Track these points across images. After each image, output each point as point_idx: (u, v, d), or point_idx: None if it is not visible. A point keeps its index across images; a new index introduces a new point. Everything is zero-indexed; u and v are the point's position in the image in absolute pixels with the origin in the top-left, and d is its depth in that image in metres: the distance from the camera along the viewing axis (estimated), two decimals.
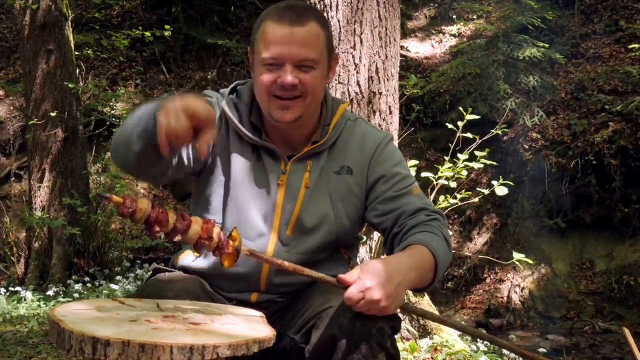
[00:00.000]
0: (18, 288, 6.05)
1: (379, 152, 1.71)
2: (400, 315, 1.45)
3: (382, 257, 3.48)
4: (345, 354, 1.40)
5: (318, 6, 3.36)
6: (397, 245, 1.64)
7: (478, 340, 4.59)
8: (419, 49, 10.98)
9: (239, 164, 1.67)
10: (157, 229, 1.38)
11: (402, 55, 6.64)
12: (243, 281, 1.66)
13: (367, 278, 1.37)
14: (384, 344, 1.41)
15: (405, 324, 3.58)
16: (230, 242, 1.42)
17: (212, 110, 1.40)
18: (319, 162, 1.68)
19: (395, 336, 1.50)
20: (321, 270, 1.64)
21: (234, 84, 1.78)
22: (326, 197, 1.67)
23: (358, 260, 3.23)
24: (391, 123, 3.46)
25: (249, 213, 1.65)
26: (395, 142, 3.53)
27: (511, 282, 7.59)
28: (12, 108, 9.60)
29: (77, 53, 7.74)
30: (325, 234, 1.67)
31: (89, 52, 8.72)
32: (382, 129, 3.42)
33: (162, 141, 1.34)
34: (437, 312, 3.56)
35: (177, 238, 1.41)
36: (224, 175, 1.68)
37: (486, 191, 4.00)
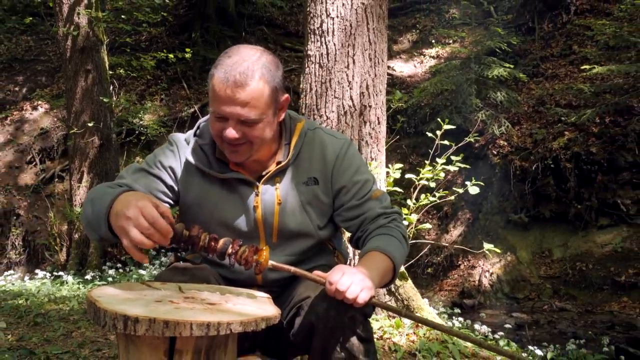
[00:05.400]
0: (61, 273, 6.06)
1: (339, 162, 1.64)
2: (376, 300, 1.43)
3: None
4: (323, 339, 1.41)
5: (317, 32, 3.35)
6: (361, 247, 1.63)
7: (453, 317, 4.57)
8: (403, 68, 10.98)
9: (213, 197, 1.60)
10: (196, 240, 1.37)
11: (388, 74, 6.63)
12: (242, 283, 1.64)
13: (334, 273, 1.38)
14: (355, 329, 1.41)
15: (391, 304, 3.58)
16: (258, 257, 1.41)
17: (160, 205, 1.29)
18: (286, 178, 1.62)
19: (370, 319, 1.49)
20: (310, 262, 1.66)
21: (198, 122, 1.68)
22: (300, 207, 1.62)
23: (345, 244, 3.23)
24: (380, 132, 3.45)
25: (232, 231, 1.59)
26: (383, 148, 3.53)
27: (482, 268, 7.58)
28: (55, 119, 9.60)
29: (111, 72, 7.74)
30: (308, 239, 1.64)
31: (121, 71, 8.72)
32: (371, 137, 3.41)
33: (137, 258, 1.29)
34: (419, 295, 3.54)
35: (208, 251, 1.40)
36: (202, 210, 1.61)
37: (460, 190, 3.99)
